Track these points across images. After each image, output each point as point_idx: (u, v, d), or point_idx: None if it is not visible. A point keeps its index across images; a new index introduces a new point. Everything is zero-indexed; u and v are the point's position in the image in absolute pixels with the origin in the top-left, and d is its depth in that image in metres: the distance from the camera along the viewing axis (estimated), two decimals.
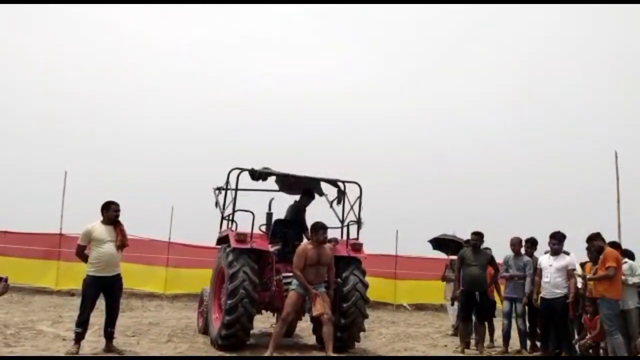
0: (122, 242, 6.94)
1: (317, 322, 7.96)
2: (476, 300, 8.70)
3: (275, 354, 7.04)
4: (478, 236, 8.90)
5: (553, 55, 25.83)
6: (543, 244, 8.93)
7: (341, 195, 9.00)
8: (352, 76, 26.65)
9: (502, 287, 9.63)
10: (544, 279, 8.30)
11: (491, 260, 8.93)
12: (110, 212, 6.94)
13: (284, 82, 26.04)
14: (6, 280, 4.06)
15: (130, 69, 24.58)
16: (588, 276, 7.97)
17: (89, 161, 19.83)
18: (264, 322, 10.35)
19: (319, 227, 7.27)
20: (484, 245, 9.03)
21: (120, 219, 7.04)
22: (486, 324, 9.05)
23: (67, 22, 24.33)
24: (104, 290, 6.93)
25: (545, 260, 8.50)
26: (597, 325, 7.81)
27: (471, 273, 8.71)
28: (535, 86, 25.73)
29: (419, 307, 16.42)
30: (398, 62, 27.18)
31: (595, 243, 7.97)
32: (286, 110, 24.47)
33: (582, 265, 8.58)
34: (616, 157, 12.76)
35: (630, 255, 8.56)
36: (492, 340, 9.42)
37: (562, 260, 8.25)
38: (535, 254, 9.12)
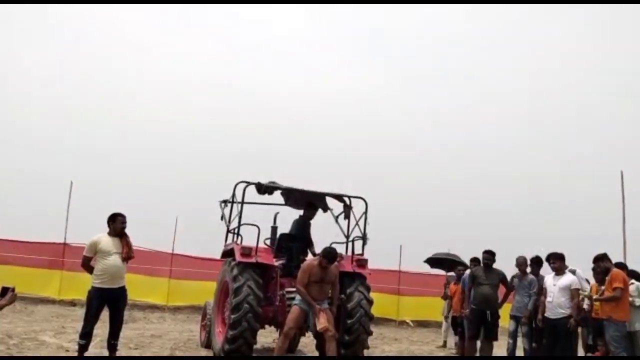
0: (128, 254, 6.93)
1: (320, 338, 7.92)
2: (487, 319, 8.65)
3: None
4: (490, 255, 8.86)
5: (560, 74, 25.86)
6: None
7: (347, 210, 8.99)
8: (356, 86, 26.71)
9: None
10: (548, 299, 8.26)
11: (503, 279, 8.89)
12: (117, 224, 6.93)
13: (291, 94, 26.15)
14: (13, 290, 4.04)
15: (136, 80, 24.79)
16: (595, 297, 7.93)
17: (94, 172, 19.90)
18: (266, 336, 10.29)
19: (325, 256, 7.18)
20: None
21: (126, 230, 7.05)
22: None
23: (72, 30, 24.57)
24: (109, 302, 6.89)
25: (549, 279, 8.47)
26: None
27: (482, 292, 8.67)
28: (541, 105, 25.78)
29: (422, 324, 16.31)
30: (403, 70, 27.22)
31: (601, 264, 7.94)
32: (291, 122, 24.56)
33: (588, 282, 8.55)
34: (622, 177, 12.72)
35: (637, 276, 8.51)
36: None
37: (565, 280, 8.21)
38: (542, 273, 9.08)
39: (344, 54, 27.23)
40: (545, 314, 8.32)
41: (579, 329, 8.64)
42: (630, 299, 7.74)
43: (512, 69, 26.23)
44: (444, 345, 11.81)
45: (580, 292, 8.24)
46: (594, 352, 8.32)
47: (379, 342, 11.61)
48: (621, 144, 22.34)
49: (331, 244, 8.54)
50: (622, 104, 24.22)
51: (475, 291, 8.79)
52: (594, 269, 8.16)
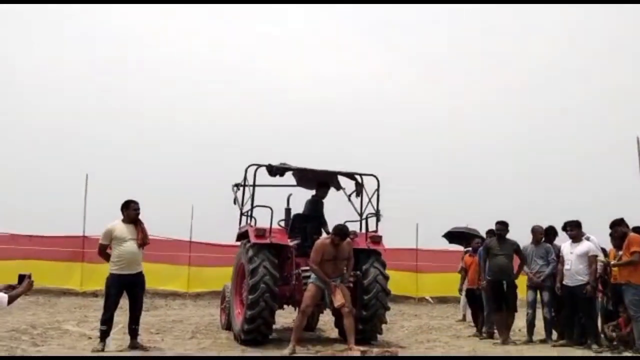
0: (143, 240, 7.03)
1: (339, 315, 7.98)
2: (503, 290, 8.63)
3: (297, 347, 7.06)
4: (503, 225, 8.81)
5: (572, 38, 25.39)
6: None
7: (359, 188, 8.99)
8: (366, 63, 26.53)
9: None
10: (566, 267, 8.24)
11: (517, 250, 8.84)
12: (130, 211, 7.02)
13: (300, 76, 26.05)
14: (30, 276, 4.10)
15: (148, 70, 24.84)
16: (612, 262, 7.87)
17: (109, 163, 20.10)
18: (286, 317, 10.38)
19: (336, 233, 7.28)
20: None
21: (142, 218, 7.14)
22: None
23: (84, 25, 24.63)
24: (127, 288, 7.02)
25: (566, 247, 8.43)
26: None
27: (498, 262, 8.64)
28: (554, 71, 25.32)
29: (442, 300, 16.34)
30: (414, 49, 26.90)
31: (618, 229, 7.88)
32: (302, 99, 24.46)
33: (604, 251, 8.49)
34: (638, 142, 12.53)
35: None
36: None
37: (582, 247, 8.17)
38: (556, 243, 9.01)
39: (349, 41, 26.96)
40: (564, 282, 8.29)
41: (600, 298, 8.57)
42: None
43: (527, 36, 25.82)
44: (464, 319, 11.80)
45: (599, 259, 8.18)
46: (616, 318, 8.25)
47: (398, 318, 11.67)
48: (636, 110, 21.99)
49: (345, 223, 8.58)
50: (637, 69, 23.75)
51: (490, 262, 8.76)
52: (611, 234, 8.09)
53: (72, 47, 24.18)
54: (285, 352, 6.96)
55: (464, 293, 11.90)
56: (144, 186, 18.07)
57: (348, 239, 7.48)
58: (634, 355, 7.27)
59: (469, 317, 11.59)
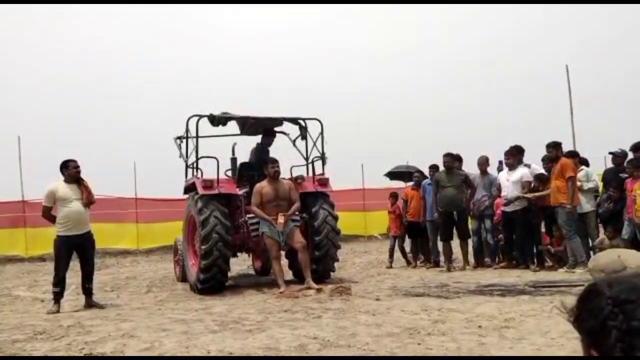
0: (88, 199, 6.89)
1: (292, 258, 8.20)
2: (454, 220, 9.00)
3: (284, 286, 7.34)
4: (449, 157, 9.07)
5: None
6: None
7: (303, 132, 9.04)
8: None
9: None
10: (503, 194, 8.66)
11: (466, 180, 9.16)
12: (70, 170, 6.83)
13: (242, 22, 25.36)
14: None
15: (76, 21, 23.55)
16: (538, 194, 8.33)
17: (42, 124, 19.29)
18: (241, 264, 10.54)
19: (267, 161, 7.54)
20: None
21: (84, 177, 6.98)
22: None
23: None
24: (76, 248, 6.92)
25: (503, 175, 8.84)
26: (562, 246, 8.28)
27: (447, 194, 8.95)
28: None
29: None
30: None
31: (552, 150, 8.25)
32: (246, 50, 23.92)
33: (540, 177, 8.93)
34: (567, 70, 13.05)
35: (586, 162, 8.97)
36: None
37: (517, 174, 8.58)
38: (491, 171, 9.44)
39: None
40: (502, 208, 8.73)
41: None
42: (579, 183, 8.17)
43: None
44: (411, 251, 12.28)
45: (521, 193, 8.47)
46: (551, 238, 8.81)
47: (350, 256, 12.04)
48: (566, 39, 22.70)
49: (291, 168, 8.71)
50: None
51: (440, 195, 9.07)
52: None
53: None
54: (280, 289, 7.23)
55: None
56: (82, 146, 17.51)
57: (290, 182, 7.64)
58: (568, 270, 7.84)
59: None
